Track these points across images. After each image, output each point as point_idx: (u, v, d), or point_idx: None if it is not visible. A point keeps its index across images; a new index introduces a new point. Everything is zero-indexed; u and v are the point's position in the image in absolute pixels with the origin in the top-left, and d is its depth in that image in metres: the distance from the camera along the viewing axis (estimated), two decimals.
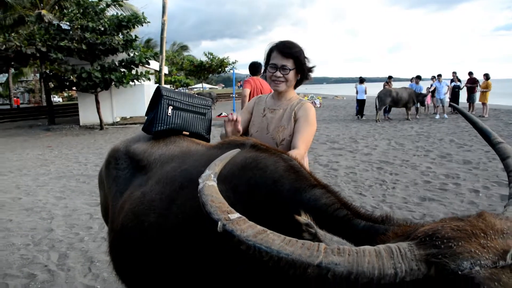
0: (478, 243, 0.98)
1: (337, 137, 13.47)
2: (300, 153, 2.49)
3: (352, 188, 7.09)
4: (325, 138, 13.45)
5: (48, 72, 18.15)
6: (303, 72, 2.70)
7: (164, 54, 14.84)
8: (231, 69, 48.31)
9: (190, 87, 50.81)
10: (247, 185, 1.68)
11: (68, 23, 18.36)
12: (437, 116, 18.20)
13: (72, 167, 10.21)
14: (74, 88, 19.30)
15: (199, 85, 54.06)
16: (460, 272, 0.94)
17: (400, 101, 17.53)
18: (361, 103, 19.54)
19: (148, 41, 51.64)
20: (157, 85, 3.06)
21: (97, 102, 19.23)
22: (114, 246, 2.31)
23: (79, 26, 16.89)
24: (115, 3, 19.33)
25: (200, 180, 1.29)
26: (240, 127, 2.66)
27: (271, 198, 1.57)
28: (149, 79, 20.59)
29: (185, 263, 1.76)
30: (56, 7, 24.61)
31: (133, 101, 21.65)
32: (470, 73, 19.23)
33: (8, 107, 33.30)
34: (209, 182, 1.28)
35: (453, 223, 1.06)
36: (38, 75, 25.38)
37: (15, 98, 35.52)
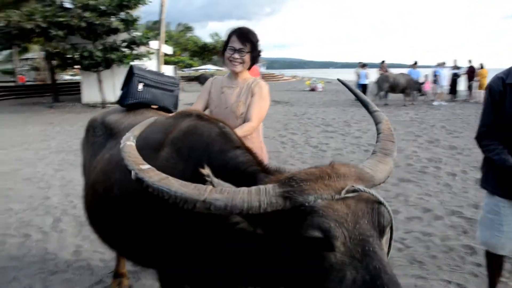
0: (322, 183, 1.36)
1: (332, 121, 13.76)
2: (253, 125, 2.89)
3: None
4: (320, 121, 13.75)
5: (50, 50, 18.39)
6: (256, 56, 3.03)
7: (163, 34, 15.03)
8: None
9: (194, 68, 50.88)
10: (187, 147, 2.02)
11: (70, 1, 18.55)
12: (435, 103, 18.40)
13: (72, 143, 10.56)
14: (76, 66, 19.56)
15: (204, 67, 54.03)
16: (306, 204, 1.32)
17: (397, 87, 17.73)
18: (363, 88, 19.86)
19: (156, 22, 51.61)
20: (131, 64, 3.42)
21: (100, 81, 19.53)
22: (87, 200, 2.67)
23: (80, 4, 17.08)
24: None
25: (121, 141, 1.66)
26: None
27: (204, 157, 1.88)
28: (150, 59, 20.82)
29: (141, 215, 2.08)
30: None
31: None
32: (469, 61, 19.44)
33: (13, 84, 33.60)
34: (128, 142, 1.65)
35: (308, 170, 1.46)
36: (42, 53, 25.59)
37: (19, 76, 35.76)
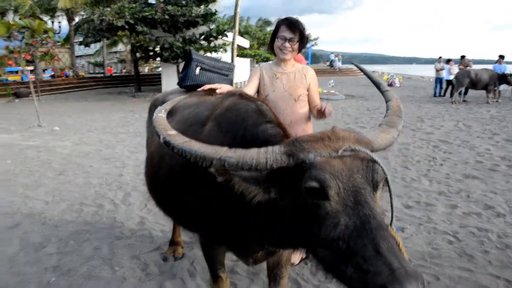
0: (322, 143, 1.55)
1: (405, 116, 13.28)
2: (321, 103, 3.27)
3: (399, 162, 7.27)
4: None
5: (135, 43, 19.73)
6: (303, 45, 3.22)
7: (237, 27, 15.45)
8: (312, 45, 48.14)
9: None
10: (226, 122, 2.23)
11: None
12: None
13: None
14: (157, 58, 20.76)
15: None
16: (307, 161, 1.51)
17: (479, 83, 16.60)
18: (448, 84, 19.05)
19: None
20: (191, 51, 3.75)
21: (178, 72, 20.56)
22: (146, 170, 2.99)
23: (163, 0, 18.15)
24: None
25: (154, 114, 1.91)
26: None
27: (240, 130, 2.11)
28: (226, 50, 21.47)
29: (182, 181, 2.33)
30: None
31: None
32: None
33: (102, 75, 36.41)
34: (159, 114, 1.92)
35: (311, 134, 1.64)
36: (128, 46, 27.47)
37: (108, 67, 38.62)
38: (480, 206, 5.05)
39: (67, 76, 31.94)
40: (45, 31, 12.09)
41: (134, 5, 19.13)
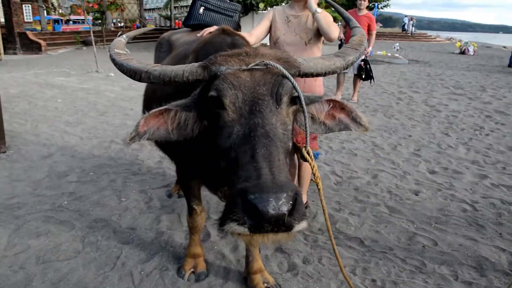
0: (237, 58, 1.56)
1: (466, 84, 12.41)
2: (335, 34, 3.17)
3: (441, 128, 6.87)
4: (452, 83, 12.52)
5: None
6: None
7: None
8: (384, 6, 45.57)
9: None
10: (202, 54, 2.21)
11: None
12: None
13: None
14: None
15: None
16: (218, 72, 1.53)
17: None
18: None
19: None
20: None
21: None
22: (143, 100, 3.10)
23: None
24: None
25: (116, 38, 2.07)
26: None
27: None
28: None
29: None
30: None
31: None
32: None
33: (168, 27, 37.12)
34: (119, 38, 2.07)
35: (234, 50, 1.64)
36: None
37: (176, 21, 39.22)
38: None
39: (138, 28, 32.91)
40: None
41: None
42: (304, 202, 3.70)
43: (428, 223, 3.62)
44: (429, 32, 60.91)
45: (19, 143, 5.56)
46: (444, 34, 62.56)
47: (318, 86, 3.39)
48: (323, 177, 4.58)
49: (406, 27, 44.47)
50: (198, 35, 2.83)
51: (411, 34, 43.17)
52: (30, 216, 3.56)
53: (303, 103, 1.50)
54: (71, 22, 30.54)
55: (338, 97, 1.78)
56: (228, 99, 1.45)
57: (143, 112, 3.10)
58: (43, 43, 20.22)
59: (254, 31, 3.51)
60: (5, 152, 5.17)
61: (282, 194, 1.16)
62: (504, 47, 40.82)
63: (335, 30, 3.12)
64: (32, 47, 19.89)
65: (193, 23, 3.33)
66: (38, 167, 4.73)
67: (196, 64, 1.61)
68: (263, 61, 1.50)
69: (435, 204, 3.98)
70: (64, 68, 14.08)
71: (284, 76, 1.48)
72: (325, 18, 3.11)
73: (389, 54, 20.32)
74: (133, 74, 1.70)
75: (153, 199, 3.94)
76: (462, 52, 26.23)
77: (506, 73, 15.89)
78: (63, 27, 29.75)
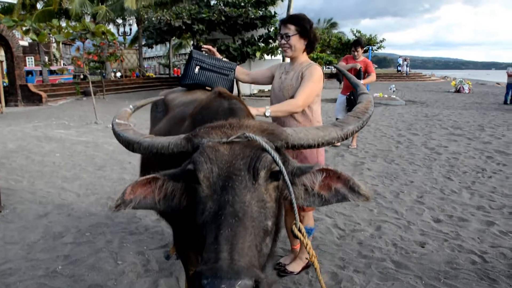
0: (219, 130, 1.53)
1: (464, 124, 12.45)
2: (297, 103, 2.94)
3: (443, 172, 6.80)
4: (450, 123, 12.57)
5: (195, 44, 20.30)
6: (308, 36, 3.03)
7: None
8: (378, 48, 46.74)
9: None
10: (199, 120, 2.18)
11: None
12: None
13: None
14: None
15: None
16: (200, 144, 1.51)
17: None
18: None
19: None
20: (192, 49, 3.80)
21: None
22: (142, 163, 3.06)
23: (221, 1, 18.51)
24: None
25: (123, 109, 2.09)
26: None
27: None
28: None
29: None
30: None
31: None
32: None
33: (167, 76, 37.90)
34: (126, 108, 2.09)
35: (219, 122, 1.63)
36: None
37: (175, 68, 40.08)
38: None
39: (137, 77, 33.57)
40: (103, 33, 12.69)
41: (192, 7, 19.72)
42: (298, 271, 3.58)
43: (437, 278, 3.48)
44: (423, 71, 62.18)
45: (15, 202, 5.47)
46: (439, 73, 63.86)
47: (319, 154, 3.31)
48: (325, 231, 4.46)
49: (400, 68, 45.43)
50: (203, 96, 2.81)
51: (406, 74, 44.03)
52: (22, 284, 3.42)
53: (286, 178, 1.42)
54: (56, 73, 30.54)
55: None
56: (202, 173, 1.42)
57: (140, 172, 3.07)
58: (43, 94, 20.54)
59: (252, 72, 3.56)
60: (0, 212, 5.07)
61: (237, 281, 1.09)
62: (498, 83, 41.61)
63: (294, 109, 2.97)
64: (33, 99, 20.21)
65: (188, 82, 3.33)
66: (33, 228, 4.61)
67: (181, 136, 1.61)
68: (244, 133, 1.46)
69: (443, 257, 3.85)
70: (64, 119, 14.19)
71: (264, 149, 1.42)
72: (278, 112, 2.94)
73: (386, 96, 20.61)
74: (127, 144, 1.75)
75: (150, 261, 3.81)
76: (458, 91, 26.60)
77: (502, 111, 16.02)
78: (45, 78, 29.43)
